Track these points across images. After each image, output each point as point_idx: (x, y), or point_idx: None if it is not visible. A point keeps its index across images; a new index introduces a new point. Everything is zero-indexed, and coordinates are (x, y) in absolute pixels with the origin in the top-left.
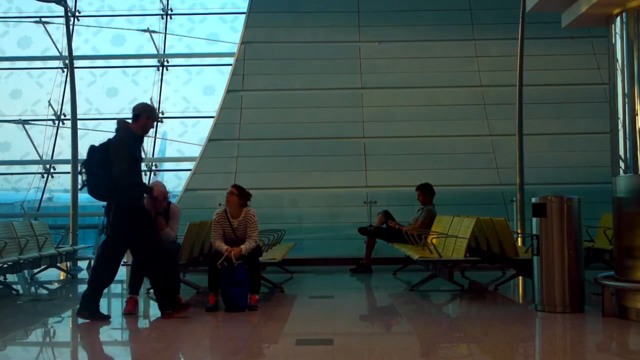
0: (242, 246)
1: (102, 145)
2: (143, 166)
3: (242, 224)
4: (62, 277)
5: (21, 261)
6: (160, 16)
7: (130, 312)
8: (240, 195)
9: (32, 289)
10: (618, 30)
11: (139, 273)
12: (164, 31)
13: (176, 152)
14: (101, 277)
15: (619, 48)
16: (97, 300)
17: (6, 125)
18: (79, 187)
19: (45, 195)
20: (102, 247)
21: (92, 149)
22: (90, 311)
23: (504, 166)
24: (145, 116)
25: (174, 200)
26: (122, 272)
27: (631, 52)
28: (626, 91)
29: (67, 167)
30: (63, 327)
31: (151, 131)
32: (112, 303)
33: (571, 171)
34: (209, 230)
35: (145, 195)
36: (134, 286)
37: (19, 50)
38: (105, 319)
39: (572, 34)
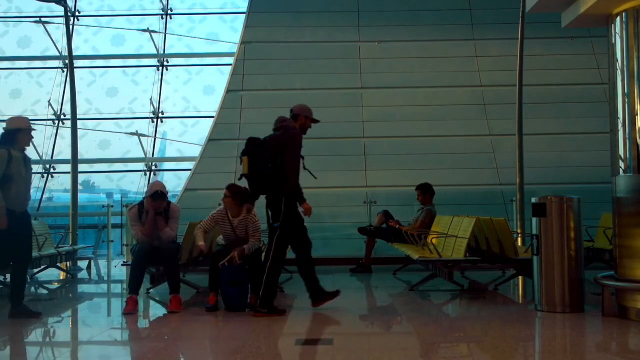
0: (245, 246)
1: (266, 139)
2: (142, 166)
3: (242, 223)
4: (62, 277)
5: None
6: (160, 16)
7: (131, 312)
8: (235, 196)
9: (32, 289)
10: (618, 30)
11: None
12: (164, 31)
13: (176, 152)
14: (277, 273)
15: (619, 48)
16: (275, 295)
17: None
18: (238, 178)
19: (45, 195)
20: (276, 242)
21: (257, 142)
22: (269, 307)
23: (504, 166)
24: (304, 116)
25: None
26: (122, 272)
27: (631, 52)
28: (626, 91)
29: (67, 167)
30: (63, 327)
31: (151, 131)
32: (112, 303)
33: (571, 171)
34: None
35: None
36: (134, 286)
37: (19, 50)
38: (282, 314)
39: (572, 34)
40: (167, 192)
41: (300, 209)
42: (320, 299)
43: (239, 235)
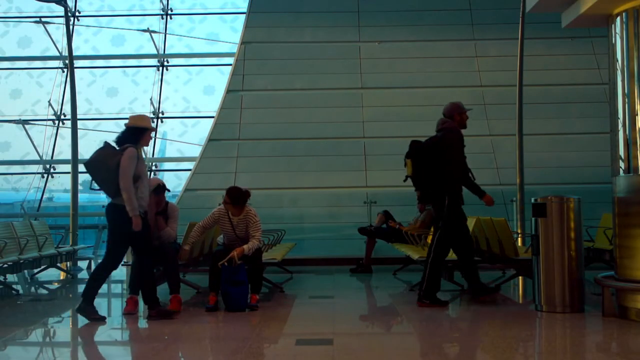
0: (245, 246)
1: (427, 141)
2: None
3: (242, 222)
4: (62, 277)
5: (21, 261)
6: (160, 16)
7: (131, 312)
8: (234, 202)
9: (32, 289)
10: (618, 30)
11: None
12: (164, 31)
13: (176, 152)
14: (438, 268)
15: (619, 48)
16: (438, 288)
17: (6, 125)
18: (403, 179)
19: (45, 195)
20: (438, 239)
21: (418, 145)
22: (431, 299)
23: (504, 166)
24: (458, 113)
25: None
26: (122, 272)
27: (631, 52)
28: (626, 91)
29: (67, 167)
30: (63, 327)
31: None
32: (112, 303)
33: (571, 171)
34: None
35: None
36: (134, 286)
37: (19, 50)
38: (445, 305)
39: (572, 34)
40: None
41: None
42: (482, 294)
43: (239, 235)
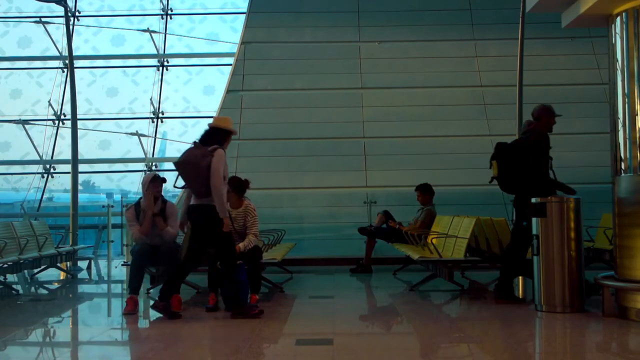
0: (241, 244)
1: (513, 143)
2: (142, 166)
3: (240, 215)
4: (62, 277)
5: (21, 261)
6: (160, 16)
7: (130, 312)
8: (237, 190)
9: (32, 289)
10: (618, 30)
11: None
12: (164, 31)
13: (176, 152)
14: (513, 264)
15: (619, 48)
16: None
17: (6, 125)
18: (489, 181)
19: (45, 195)
20: (516, 236)
21: (504, 146)
22: (507, 296)
23: None
24: (546, 116)
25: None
26: (122, 272)
27: (631, 52)
28: (626, 91)
29: (67, 167)
30: (63, 327)
31: (151, 131)
32: (112, 303)
33: (571, 171)
34: None
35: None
36: (134, 286)
37: (19, 50)
38: (519, 302)
39: (572, 34)
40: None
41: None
42: (503, 297)
43: (237, 229)
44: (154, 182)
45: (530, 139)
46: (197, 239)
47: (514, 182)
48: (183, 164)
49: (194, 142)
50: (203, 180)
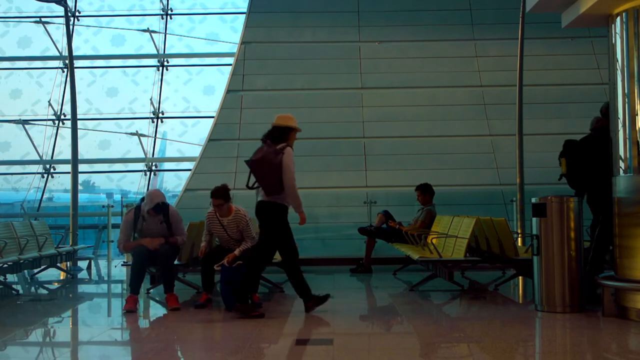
0: (237, 250)
1: (582, 140)
2: (142, 166)
3: (232, 223)
4: (62, 277)
5: (21, 261)
6: (160, 16)
7: (131, 309)
8: (216, 196)
9: (32, 289)
10: (618, 30)
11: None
12: (164, 31)
13: (176, 152)
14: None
15: (619, 48)
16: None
17: (6, 125)
18: (558, 178)
19: (45, 195)
20: (599, 234)
21: (572, 144)
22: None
23: (504, 166)
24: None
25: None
26: (123, 272)
27: (631, 52)
28: (626, 91)
29: (67, 167)
30: (63, 327)
31: (151, 131)
32: (112, 303)
33: None
34: None
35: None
36: (134, 286)
37: (19, 50)
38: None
39: (572, 34)
40: (166, 200)
41: None
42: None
43: (232, 236)
44: (156, 213)
45: (599, 136)
46: (269, 236)
47: (583, 179)
48: (256, 163)
49: (265, 141)
50: (275, 179)
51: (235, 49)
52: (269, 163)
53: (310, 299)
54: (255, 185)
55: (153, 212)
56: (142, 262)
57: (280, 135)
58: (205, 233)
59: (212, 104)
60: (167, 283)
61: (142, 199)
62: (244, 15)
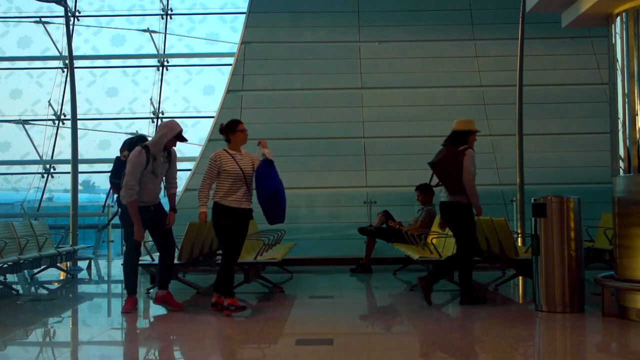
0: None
1: None
2: None
3: (244, 157)
4: (62, 277)
5: (21, 261)
6: (160, 16)
7: (129, 310)
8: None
9: (32, 289)
10: (618, 30)
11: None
12: (164, 31)
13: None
14: None
15: (619, 48)
16: None
17: (6, 125)
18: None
19: (45, 195)
20: None
21: None
22: None
23: (504, 166)
24: None
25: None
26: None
27: (631, 52)
28: (626, 91)
29: (67, 167)
30: (63, 327)
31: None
32: (112, 303)
33: (571, 171)
34: (209, 230)
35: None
36: (130, 287)
37: (19, 50)
38: None
39: (572, 34)
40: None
41: None
42: None
43: (245, 170)
44: (178, 141)
45: None
46: (460, 234)
47: None
48: (437, 164)
49: (446, 145)
50: (456, 179)
51: (235, 49)
52: (448, 164)
53: (468, 294)
54: (438, 184)
55: (175, 142)
56: (133, 262)
57: (462, 138)
58: (206, 187)
59: (212, 104)
60: (168, 278)
61: (140, 138)
62: (244, 15)
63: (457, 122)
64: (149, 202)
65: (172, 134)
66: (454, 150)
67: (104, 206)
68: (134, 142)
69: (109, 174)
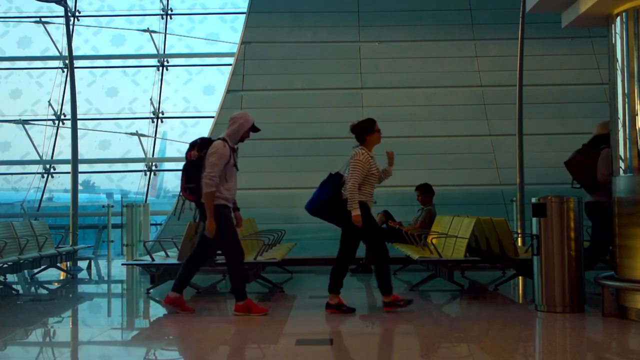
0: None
1: None
2: (142, 166)
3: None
4: (62, 277)
5: (21, 261)
6: (160, 16)
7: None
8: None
9: (32, 289)
10: (618, 30)
11: None
12: (164, 31)
13: (176, 152)
14: None
15: (619, 48)
16: None
17: (6, 125)
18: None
19: (45, 195)
20: None
21: None
22: None
23: (504, 166)
24: None
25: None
26: (122, 272)
27: (631, 52)
28: (626, 91)
29: (67, 167)
30: (63, 327)
31: (151, 131)
32: (112, 303)
33: None
34: None
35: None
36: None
37: (19, 50)
38: None
39: (572, 34)
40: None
41: None
42: None
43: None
44: (254, 132)
45: None
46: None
47: None
48: (567, 164)
49: (583, 145)
50: (587, 178)
51: (235, 49)
52: (579, 164)
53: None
54: (577, 185)
55: (249, 133)
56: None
57: (601, 139)
58: (355, 189)
59: (212, 104)
60: (187, 282)
61: (201, 140)
62: (244, 15)
63: (599, 126)
64: (231, 200)
65: (248, 124)
66: (587, 149)
67: (178, 217)
68: (197, 143)
69: (180, 183)
